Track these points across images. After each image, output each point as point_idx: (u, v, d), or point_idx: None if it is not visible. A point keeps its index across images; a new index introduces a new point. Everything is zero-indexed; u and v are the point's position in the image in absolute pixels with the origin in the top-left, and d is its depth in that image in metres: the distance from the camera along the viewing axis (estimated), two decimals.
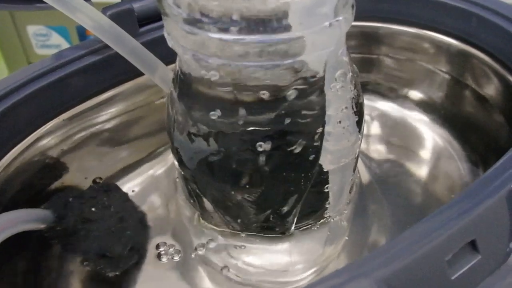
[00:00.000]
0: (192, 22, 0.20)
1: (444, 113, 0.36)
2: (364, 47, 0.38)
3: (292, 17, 0.20)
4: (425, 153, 0.35)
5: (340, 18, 0.21)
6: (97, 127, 0.33)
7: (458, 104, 0.35)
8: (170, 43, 0.23)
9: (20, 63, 0.74)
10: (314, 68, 0.22)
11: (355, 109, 0.24)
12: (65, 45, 0.72)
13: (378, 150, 0.36)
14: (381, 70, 0.38)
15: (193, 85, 0.24)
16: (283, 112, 0.23)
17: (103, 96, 0.32)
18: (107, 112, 0.33)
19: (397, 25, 0.36)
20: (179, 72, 0.25)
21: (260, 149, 0.24)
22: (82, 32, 0.70)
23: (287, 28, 0.20)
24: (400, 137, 0.36)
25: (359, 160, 0.33)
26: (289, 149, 0.24)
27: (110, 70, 0.32)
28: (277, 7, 0.19)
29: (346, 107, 0.24)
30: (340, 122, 0.24)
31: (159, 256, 0.30)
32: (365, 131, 0.36)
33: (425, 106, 0.37)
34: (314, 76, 0.23)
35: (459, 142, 0.35)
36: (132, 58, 0.29)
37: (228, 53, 0.21)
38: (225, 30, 0.20)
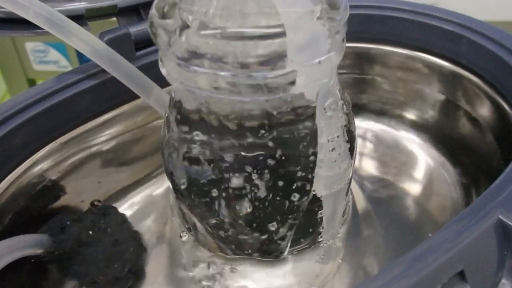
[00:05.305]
0: (185, 59, 0.21)
1: (437, 134, 0.37)
2: (357, 67, 0.38)
3: (285, 57, 0.20)
4: (418, 174, 0.36)
5: (332, 53, 0.21)
6: (95, 148, 0.33)
7: (451, 125, 0.36)
8: (164, 73, 0.24)
9: (18, 78, 0.75)
10: (306, 98, 0.23)
11: (346, 138, 0.25)
12: (63, 61, 0.73)
13: (371, 171, 0.36)
14: (374, 91, 0.39)
15: (187, 111, 0.25)
16: (276, 140, 0.24)
17: (101, 118, 0.33)
18: (105, 134, 0.33)
19: (388, 46, 0.36)
20: (174, 98, 0.25)
21: (253, 175, 0.24)
22: None
23: (280, 66, 0.20)
24: (393, 157, 0.37)
25: (352, 181, 0.34)
26: (282, 176, 0.24)
27: (108, 93, 0.32)
28: (271, 50, 0.20)
29: (337, 136, 0.24)
30: (332, 150, 0.24)
31: (154, 278, 0.30)
32: (358, 152, 0.36)
33: (418, 126, 0.38)
34: (306, 106, 0.23)
35: (451, 163, 0.35)
36: (127, 82, 0.30)
37: (220, 88, 0.21)
38: (217, 67, 0.20)
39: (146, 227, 0.33)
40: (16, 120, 0.29)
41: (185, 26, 0.21)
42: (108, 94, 0.32)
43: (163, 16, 0.22)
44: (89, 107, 0.32)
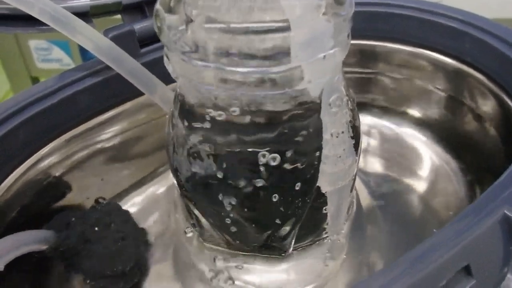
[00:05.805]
0: (190, 54, 0.21)
1: (441, 131, 0.37)
2: (361, 64, 0.38)
3: (290, 52, 0.20)
4: (422, 171, 0.35)
5: (336, 48, 0.21)
6: (98, 146, 0.33)
7: (455, 122, 0.36)
8: (169, 69, 0.24)
9: (22, 76, 0.75)
10: (311, 94, 0.23)
11: (351, 134, 0.25)
12: (66, 59, 0.73)
13: (375, 168, 0.36)
14: (378, 88, 0.39)
15: (192, 107, 0.25)
16: (280, 135, 0.24)
17: (104, 115, 0.33)
18: (109, 131, 0.33)
19: (393, 43, 0.36)
20: (179, 94, 0.26)
21: (258, 171, 0.24)
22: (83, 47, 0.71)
23: (285, 61, 0.20)
24: (397, 154, 0.37)
25: (357, 178, 0.34)
26: (287, 172, 0.24)
27: (111, 90, 0.32)
28: (275, 44, 0.20)
29: (342, 132, 0.24)
30: (337, 146, 0.24)
31: (159, 274, 0.30)
32: (363, 149, 0.36)
33: (422, 124, 0.38)
34: (311, 102, 0.23)
35: (455, 160, 0.35)
36: (132, 79, 0.30)
37: (226, 83, 0.21)
38: (223, 62, 0.20)
39: (151, 224, 0.33)
40: (18, 118, 0.29)
41: (189, 21, 0.21)
42: (111, 92, 0.32)
43: (169, 10, 0.22)
44: (92, 105, 0.32)
